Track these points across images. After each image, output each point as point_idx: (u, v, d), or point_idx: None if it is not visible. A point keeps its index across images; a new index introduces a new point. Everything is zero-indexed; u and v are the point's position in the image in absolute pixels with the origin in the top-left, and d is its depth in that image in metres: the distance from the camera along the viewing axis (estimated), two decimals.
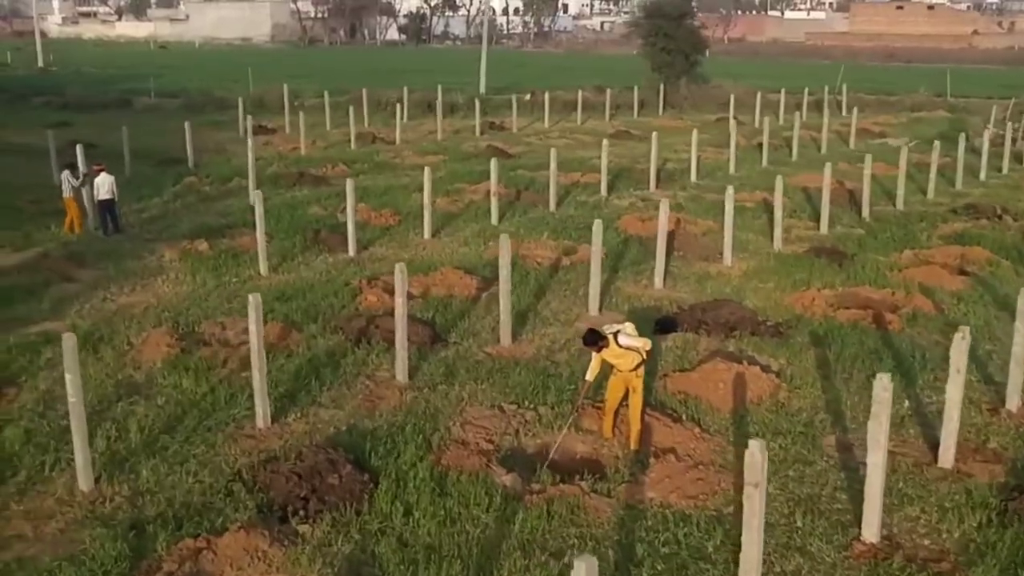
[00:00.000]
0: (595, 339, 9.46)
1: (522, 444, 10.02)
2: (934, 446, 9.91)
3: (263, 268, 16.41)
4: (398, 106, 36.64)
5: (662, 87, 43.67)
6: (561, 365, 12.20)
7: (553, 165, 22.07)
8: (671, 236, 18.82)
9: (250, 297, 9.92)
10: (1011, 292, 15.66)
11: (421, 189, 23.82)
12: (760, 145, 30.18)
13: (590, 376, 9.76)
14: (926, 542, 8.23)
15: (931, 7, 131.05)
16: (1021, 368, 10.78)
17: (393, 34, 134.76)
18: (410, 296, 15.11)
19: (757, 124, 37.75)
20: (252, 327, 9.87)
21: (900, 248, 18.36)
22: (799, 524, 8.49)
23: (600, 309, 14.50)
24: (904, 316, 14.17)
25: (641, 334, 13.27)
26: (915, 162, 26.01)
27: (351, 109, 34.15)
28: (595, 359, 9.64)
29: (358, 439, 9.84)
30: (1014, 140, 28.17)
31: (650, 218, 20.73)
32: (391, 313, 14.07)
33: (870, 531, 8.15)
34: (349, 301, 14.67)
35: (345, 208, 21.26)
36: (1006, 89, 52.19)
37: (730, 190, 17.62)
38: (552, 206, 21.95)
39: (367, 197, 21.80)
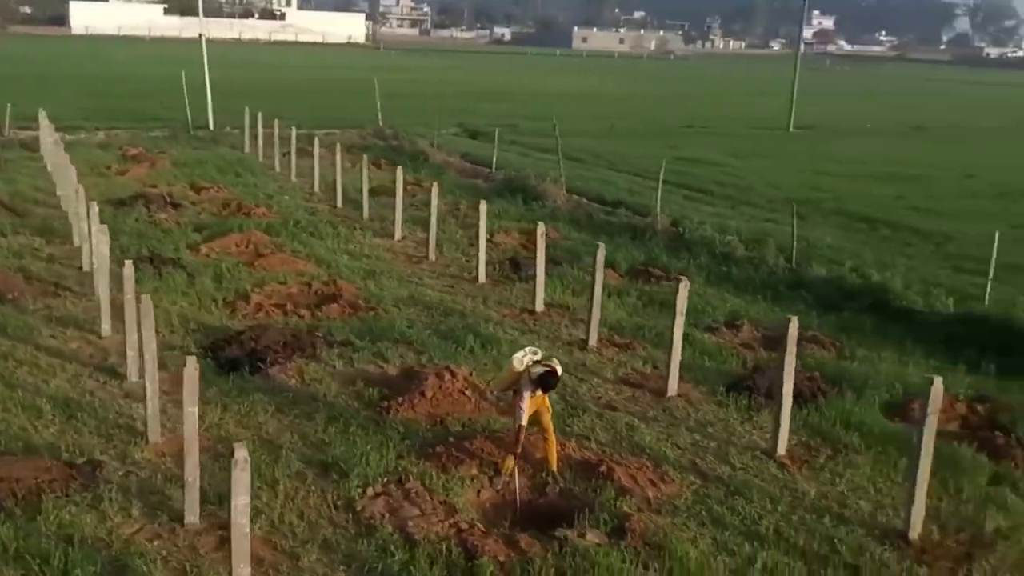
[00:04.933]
0: (556, 378, 8.52)
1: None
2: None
3: None
4: None
5: None
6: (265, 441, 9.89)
7: None
8: None
9: None
10: (332, 260, 17.11)
11: None
12: None
13: (524, 421, 8.45)
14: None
15: None
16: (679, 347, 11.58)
17: None
18: None
19: None
20: None
21: (195, 243, 17.89)
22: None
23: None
24: (360, 300, 14.69)
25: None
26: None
27: None
28: (527, 400, 8.37)
29: None
30: None
31: None
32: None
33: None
34: None
35: None
36: None
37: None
38: None
39: None
